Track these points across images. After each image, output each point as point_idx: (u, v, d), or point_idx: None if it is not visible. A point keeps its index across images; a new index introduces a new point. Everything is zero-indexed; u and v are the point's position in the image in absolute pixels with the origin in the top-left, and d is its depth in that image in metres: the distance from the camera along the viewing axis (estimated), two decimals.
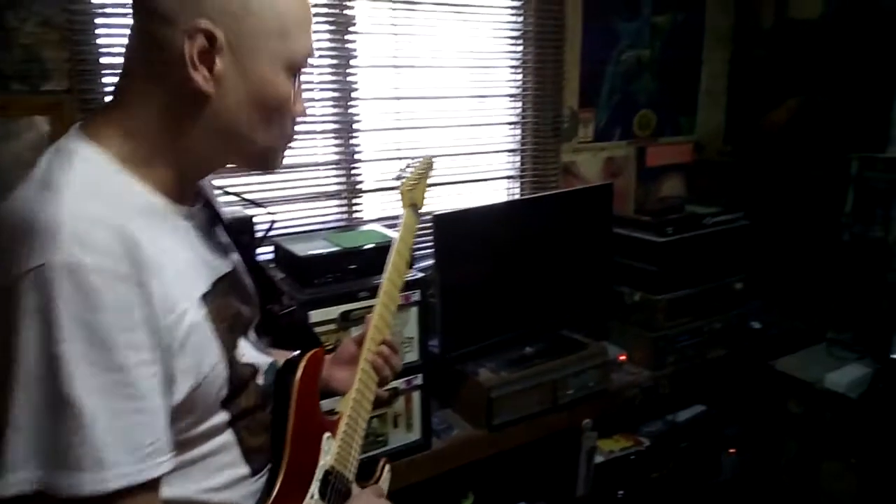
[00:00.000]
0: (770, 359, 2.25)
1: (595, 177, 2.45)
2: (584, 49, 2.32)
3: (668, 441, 2.27)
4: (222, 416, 0.75)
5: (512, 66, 2.26)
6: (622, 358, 2.21)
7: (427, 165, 1.09)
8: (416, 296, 1.65)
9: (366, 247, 1.62)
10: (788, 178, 2.52)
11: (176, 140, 0.71)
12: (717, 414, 2.40)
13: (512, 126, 2.32)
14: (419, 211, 1.06)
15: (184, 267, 0.71)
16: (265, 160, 0.78)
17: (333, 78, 1.90)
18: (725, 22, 2.65)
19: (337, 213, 2.00)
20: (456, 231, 1.79)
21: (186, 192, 0.77)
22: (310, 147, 1.92)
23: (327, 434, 0.88)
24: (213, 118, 0.71)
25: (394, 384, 1.66)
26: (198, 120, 0.70)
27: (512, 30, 2.23)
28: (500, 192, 2.34)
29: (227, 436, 0.76)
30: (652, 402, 2.20)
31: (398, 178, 1.06)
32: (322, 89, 1.89)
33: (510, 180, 2.35)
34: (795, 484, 2.22)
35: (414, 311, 1.66)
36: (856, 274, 2.35)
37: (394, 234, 1.04)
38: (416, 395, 1.71)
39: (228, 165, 0.81)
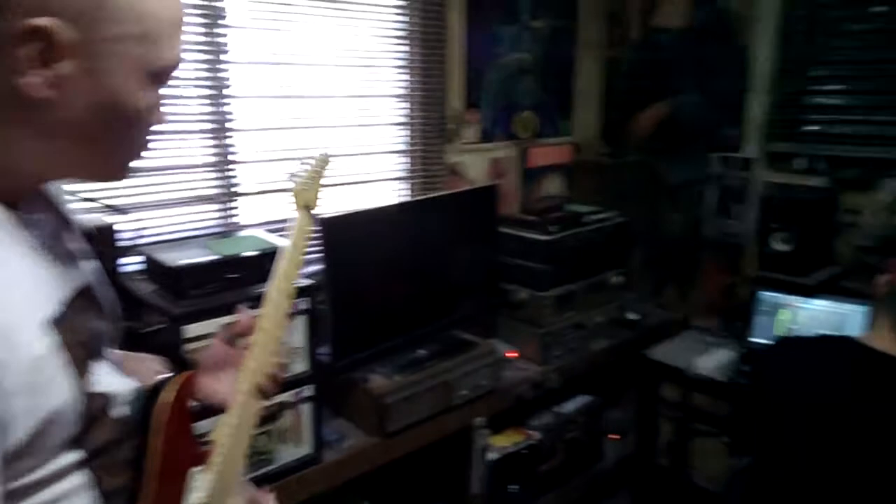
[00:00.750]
0: (645, 348, 2.38)
1: (481, 177, 2.48)
2: (468, 51, 2.35)
3: (556, 432, 2.34)
4: (73, 456, 0.65)
5: (398, 67, 2.24)
6: (512, 355, 2.25)
7: (322, 164, 1.02)
8: (303, 303, 1.58)
9: (247, 254, 1.53)
10: (658, 177, 2.69)
11: (7, 147, 0.62)
12: (600, 403, 2.51)
13: (400, 127, 2.29)
14: (312, 213, 0.99)
15: (25, 288, 0.61)
16: (111, 172, 0.70)
17: (205, 74, 1.78)
18: (597, 29, 2.78)
19: (213, 219, 1.88)
20: (345, 234, 1.74)
21: (23, 200, 0.66)
22: (182, 148, 1.79)
23: (198, 468, 0.79)
24: (53, 125, 0.62)
25: (281, 397, 1.58)
26: (33, 126, 0.61)
27: (396, 29, 2.20)
28: (390, 193, 2.31)
29: (81, 477, 0.66)
30: (541, 396, 2.26)
31: (291, 177, 0.98)
32: (194, 86, 1.76)
33: (399, 182, 2.32)
34: (672, 463, 2.38)
35: (302, 319, 1.59)
36: (718, 265, 2.55)
37: (282, 238, 0.97)
38: (305, 408, 1.64)
39: (71, 176, 0.71)
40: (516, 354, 2.26)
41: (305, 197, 0.96)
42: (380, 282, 1.87)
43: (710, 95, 2.48)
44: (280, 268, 0.91)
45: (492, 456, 2.11)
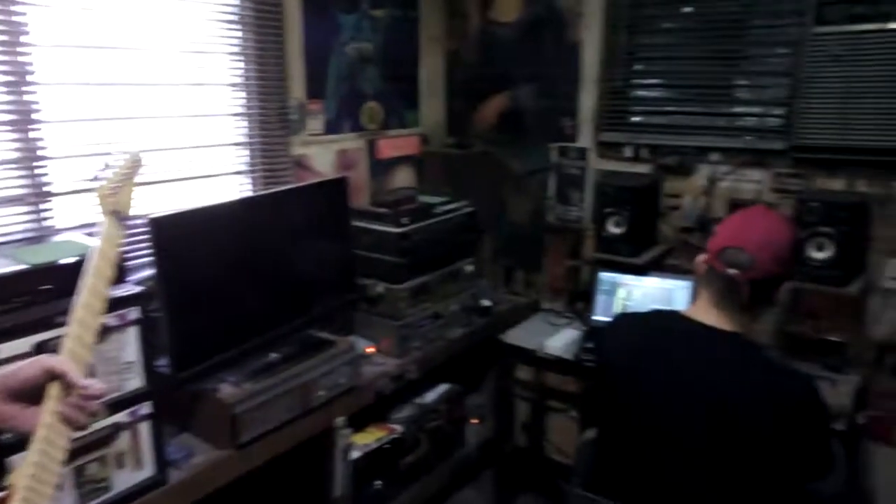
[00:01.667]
0: (499, 332, 2.45)
1: (329, 170, 2.41)
2: (306, 39, 2.26)
3: (418, 424, 2.34)
4: None
5: (231, 53, 2.10)
6: (370, 350, 2.22)
7: (133, 164, 0.91)
8: (133, 313, 1.43)
9: (62, 262, 1.35)
10: (503, 166, 2.77)
11: None
12: (460, 390, 2.55)
13: (238, 118, 2.15)
14: (124, 218, 0.88)
15: None
16: None
17: (2, 58, 1.55)
18: (438, 20, 2.81)
19: (21, 223, 1.64)
20: (180, 235, 1.60)
21: None
22: None
23: None
24: None
25: (115, 418, 1.42)
26: None
27: (228, 13, 2.06)
28: (231, 188, 2.16)
29: None
30: (402, 389, 2.25)
31: (95, 179, 0.87)
32: None
33: (241, 176, 2.19)
34: (529, 442, 2.48)
35: (133, 330, 1.44)
36: (561, 250, 2.69)
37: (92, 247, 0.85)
38: (143, 427, 1.49)
39: None
40: (374, 349, 2.23)
41: (113, 201, 0.85)
42: (223, 284, 1.74)
43: (545, 88, 2.60)
44: (86, 282, 0.80)
45: (354, 455, 2.06)
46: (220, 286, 1.73)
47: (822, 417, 1.33)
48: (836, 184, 2.07)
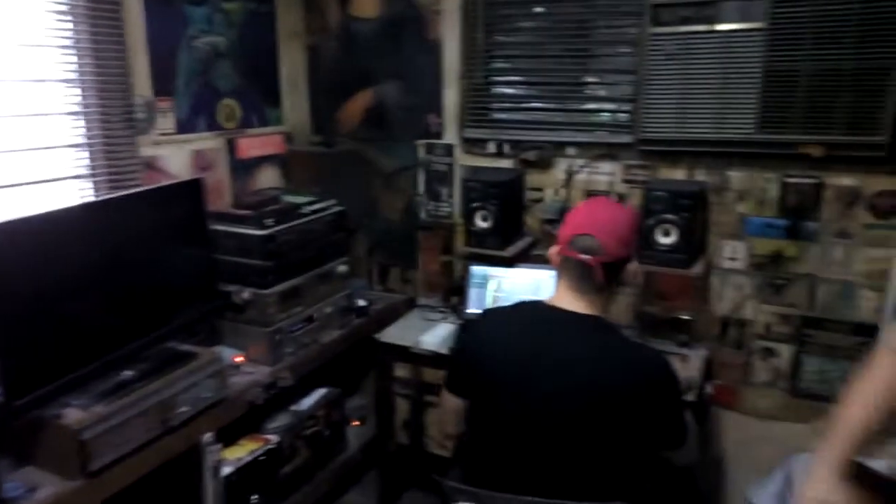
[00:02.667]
0: (376, 332, 2.43)
1: (185, 172, 2.27)
2: (150, 32, 2.11)
3: (296, 431, 2.27)
4: None
5: (63, 47, 1.91)
6: (239, 359, 2.12)
7: None
8: None
9: None
10: (372, 164, 2.75)
11: None
12: (339, 393, 2.50)
13: (74, 117, 1.97)
14: None
15: None
16: None
17: None
18: (296, 15, 2.73)
19: None
20: (6, 247, 1.43)
21: None
22: None
23: None
24: None
25: None
26: None
27: (57, 3, 1.87)
28: (70, 194, 1.97)
29: None
30: (276, 397, 2.17)
31: None
32: None
33: (81, 180, 2.00)
34: (410, 439, 2.48)
35: None
36: (434, 245, 2.72)
37: None
38: None
39: None
40: (244, 358, 2.14)
41: None
42: (63, 299, 1.58)
43: (409, 84, 2.61)
44: None
45: (226, 471, 1.96)
46: (58, 301, 1.57)
47: (675, 390, 1.44)
48: (679, 173, 2.25)
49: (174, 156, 2.24)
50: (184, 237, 1.95)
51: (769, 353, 2.24)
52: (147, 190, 1.93)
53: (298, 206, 2.26)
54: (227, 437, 2.02)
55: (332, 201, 2.39)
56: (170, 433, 1.75)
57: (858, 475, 1.14)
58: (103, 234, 1.69)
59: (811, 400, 2.20)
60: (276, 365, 2.15)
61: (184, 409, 1.78)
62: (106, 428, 1.56)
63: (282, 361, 2.17)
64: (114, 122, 2.02)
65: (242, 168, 2.53)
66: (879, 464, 1.15)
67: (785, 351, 2.22)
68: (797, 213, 2.10)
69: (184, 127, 2.27)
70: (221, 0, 2.37)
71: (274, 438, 2.18)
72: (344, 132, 2.76)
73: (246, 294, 2.11)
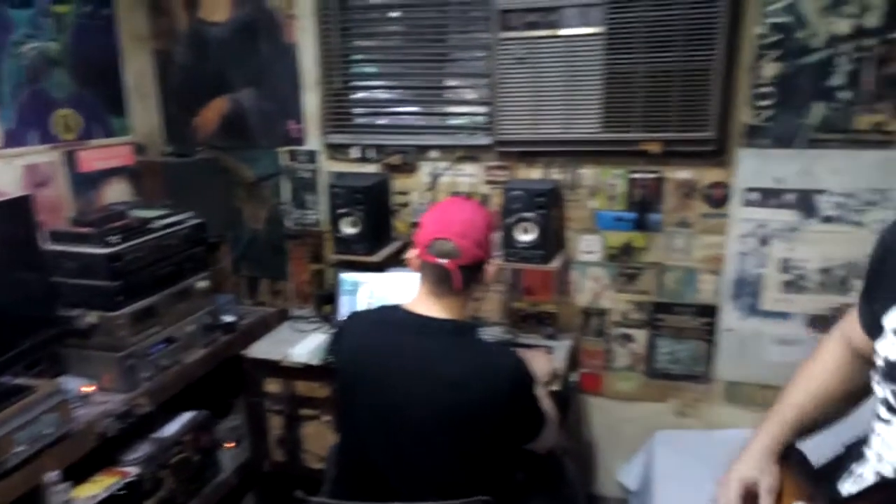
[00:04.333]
0: (245, 347, 2.34)
1: (15, 188, 2.07)
2: None
3: (159, 460, 2.13)
4: None
5: None
6: (89, 388, 1.96)
7: None
8: None
9: None
10: (233, 173, 2.65)
11: None
12: (208, 415, 2.38)
13: None
14: None
15: None
16: None
17: None
18: (140, 18, 2.57)
19: None
20: None
21: None
22: None
23: None
24: None
25: None
26: None
27: None
28: None
29: None
30: (134, 426, 2.03)
31: None
32: None
33: None
34: (286, 455, 2.40)
35: None
36: (303, 254, 2.66)
37: None
38: None
39: None
40: (94, 387, 1.98)
41: None
42: None
43: (267, 90, 2.53)
44: None
45: None
46: None
47: (529, 385, 1.47)
48: (535, 173, 2.34)
49: (2, 172, 2.04)
50: (12, 260, 1.77)
51: (627, 338, 2.38)
52: None
53: (148, 220, 2.12)
54: (79, 474, 1.87)
55: (188, 214, 2.27)
56: (5, 476, 1.58)
57: (790, 459, 1.12)
58: None
59: (666, 380, 2.37)
60: (131, 392, 2.01)
61: (20, 448, 1.62)
62: None
63: (138, 387, 2.03)
64: None
65: (86, 182, 2.35)
66: (807, 447, 1.14)
67: (640, 336, 2.36)
68: (643, 206, 2.24)
69: (12, 140, 2.08)
70: (50, 2, 2.18)
71: (134, 470, 2.04)
72: (200, 141, 2.64)
73: (91, 318, 1.96)
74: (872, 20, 1.90)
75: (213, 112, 2.60)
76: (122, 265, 1.96)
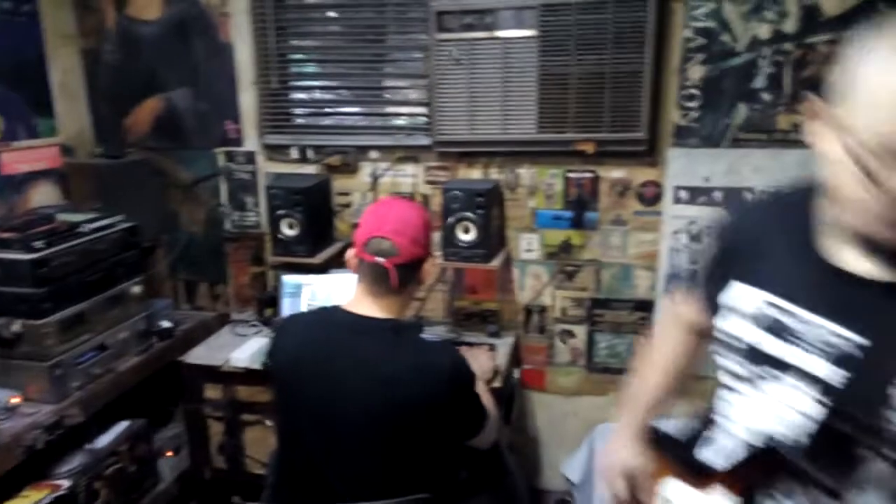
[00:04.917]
0: (183, 353, 2.29)
1: None
2: None
3: (93, 472, 2.07)
4: None
5: None
6: (15, 400, 1.89)
7: None
8: None
9: None
10: (168, 174, 2.58)
11: None
12: (144, 424, 2.32)
13: None
14: None
15: None
16: None
17: None
18: (66, 16, 2.48)
19: None
20: None
21: None
22: None
23: None
24: None
25: None
26: None
27: None
28: None
29: None
30: (65, 438, 1.96)
31: None
32: None
33: None
34: (228, 461, 2.36)
35: None
36: (243, 257, 2.61)
37: None
38: None
39: None
40: (20, 398, 1.90)
41: None
42: None
43: (202, 90, 2.48)
44: None
45: None
46: None
47: (468, 383, 1.48)
48: (475, 173, 2.36)
49: None
50: None
51: (568, 334, 2.43)
52: None
53: (77, 224, 2.05)
54: (7, 489, 1.81)
55: (119, 217, 2.20)
56: None
57: (652, 438, 1.19)
58: None
59: (605, 374, 2.43)
60: (60, 402, 1.94)
61: None
62: None
63: (68, 397, 1.97)
64: None
65: (9, 186, 2.25)
66: (668, 425, 1.20)
67: (580, 332, 2.42)
68: (579, 205, 2.29)
69: None
70: None
71: (65, 483, 1.97)
72: (132, 142, 2.56)
73: (15, 327, 1.88)
74: (790, 26, 2.00)
75: (145, 112, 2.53)
76: (48, 271, 1.89)
